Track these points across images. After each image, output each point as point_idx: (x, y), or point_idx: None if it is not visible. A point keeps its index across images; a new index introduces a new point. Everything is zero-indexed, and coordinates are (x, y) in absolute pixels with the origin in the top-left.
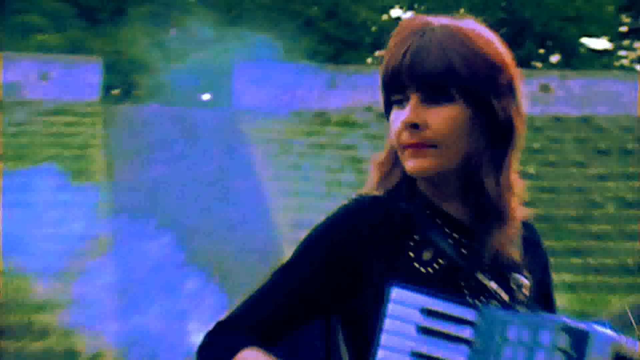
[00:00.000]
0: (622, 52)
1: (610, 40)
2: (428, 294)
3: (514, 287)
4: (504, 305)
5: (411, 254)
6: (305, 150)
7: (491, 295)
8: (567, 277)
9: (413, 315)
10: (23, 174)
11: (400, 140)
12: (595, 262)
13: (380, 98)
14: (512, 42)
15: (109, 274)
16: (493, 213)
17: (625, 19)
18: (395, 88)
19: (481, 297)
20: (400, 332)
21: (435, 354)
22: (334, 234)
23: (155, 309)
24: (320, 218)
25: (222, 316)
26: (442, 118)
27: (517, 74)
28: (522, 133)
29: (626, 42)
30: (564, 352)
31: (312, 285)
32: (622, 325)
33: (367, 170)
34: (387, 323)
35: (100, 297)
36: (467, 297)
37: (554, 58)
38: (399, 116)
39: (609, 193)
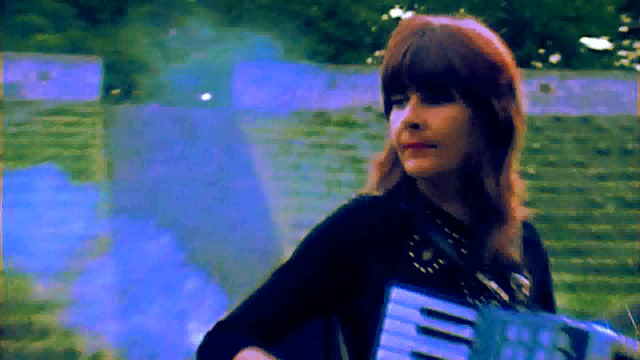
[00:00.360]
0: (622, 52)
1: (610, 40)
2: (428, 294)
3: (514, 287)
4: (504, 305)
5: (411, 254)
6: (305, 150)
7: (491, 295)
8: (567, 277)
9: (413, 315)
10: (23, 174)
11: (400, 140)
12: (595, 262)
13: (380, 98)
14: (512, 42)
15: (109, 274)
16: (493, 213)
17: (625, 19)
18: (395, 88)
19: (481, 297)
20: (400, 332)
21: (435, 354)
22: (334, 234)
23: (155, 309)
24: (320, 218)
25: (222, 316)
26: (442, 118)
27: (517, 74)
28: (522, 133)
29: (626, 42)
30: (564, 352)
31: (312, 285)
32: (622, 325)
33: (367, 170)
34: (387, 323)
35: (100, 297)
36: (467, 297)
37: (554, 58)
38: (399, 116)
39: (609, 193)
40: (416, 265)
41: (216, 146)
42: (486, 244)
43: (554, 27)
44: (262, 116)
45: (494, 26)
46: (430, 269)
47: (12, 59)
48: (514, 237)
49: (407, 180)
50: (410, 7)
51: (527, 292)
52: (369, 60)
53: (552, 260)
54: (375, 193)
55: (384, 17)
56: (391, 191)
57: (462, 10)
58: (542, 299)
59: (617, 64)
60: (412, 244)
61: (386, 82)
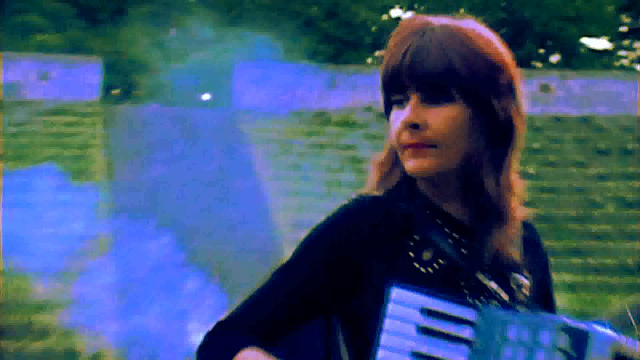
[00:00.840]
0: (622, 52)
1: (610, 40)
2: (428, 294)
3: (514, 287)
4: (504, 305)
5: (411, 254)
6: (305, 150)
7: (491, 295)
8: (567, 277)
9: (413, 315)
10: (23, 174)
11: (400, 140)
12: (595, 262)
13: (380, 98)
14: (512, 42)
15: (109, 274)
16: (493, 213)
17: (625, 19)
18: (395, 88)
19: (481, 297)
20: (400, 332)
21: (435, 354)
22: (334, 234)
23: (155, 309)
24: (320, 218)
25: (222, 316)
26: (442, 118)
27: (517, 74)
28: (522, 133)
29: (626, 42)
30: (564, 352)
31: (312, 285)
32: (622, 325)
33: (367, 170)
34: (387, 323)
35: (100, 297)
36: (467, 297)
37: (554, 58)
38: (399, 116)
39: (609, 193)
40: (416, 265)
41: (216, 146)
42: (486, 244)
43: (554, 27)
44: (262, 116)
45: (494, 26)
46: (430, 269)
47: (12, 59)
48: (514, 237)
49: (407, 180)
50: (410, 7)
51: (527, 292)
52: (369, 60)
53: (552, 260)
54: (375, 193)
55: (384, 17)
56: (391, 191)
57: (462, 10)
58: (542, 299)
59: (617, 64)
60: (412, 244)
61: (386, 82)
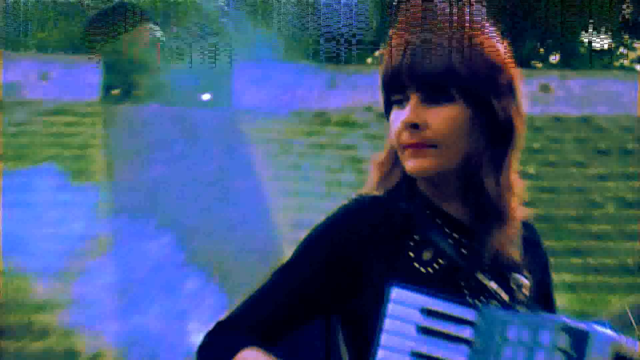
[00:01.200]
0: (622, 51)
1: (612, 37)
2: (428, 294)
3: (514, 287)
4: (504, 305)
5: (411, 254)
6: (305, 150)
7: (491, 295)
8: (567, 277)
9: (413, 315)
10: (23, 174)
11: (400, 140)
12: (595, 262)
13: (380, 98)
14: (512, 42)
15: (109, 274)
16: (493, 213)
17: (628, 12)
18: (395, 88)
19: (481, 297)
20: (400, 332)
21: (435, 354)
22: (334, 234)
23: (155, 309)
24: (320, 218)
25: (222, 316)
26: (442, 118)
27: (517, 74)
28: (522, 133)
29: (625, 38)
30: (564, 352)
31: (312, 285)
32: (622, 325)
33: (367, 170)
34: (387, 323)
35: (100, 297)
36: (467, 297)
37: (554, 58)
38: (399, 116)
39: (609, 193)
40: (416, 265)
41: (216, 146)
42: (486, 244)
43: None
44: (262, 116)
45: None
46: (430, 269)
47: (12, 59)
48: (514, 237)
49: (407, 180)
50: None
51: (527, 292)
52: (369, 60)
53: (552, 260)
54: (375, 193)
55: None
56: (391, 191)
57: None
58: (542, 299)
59: (617, 64)
60: (412, 244)
61: (386, 82)
